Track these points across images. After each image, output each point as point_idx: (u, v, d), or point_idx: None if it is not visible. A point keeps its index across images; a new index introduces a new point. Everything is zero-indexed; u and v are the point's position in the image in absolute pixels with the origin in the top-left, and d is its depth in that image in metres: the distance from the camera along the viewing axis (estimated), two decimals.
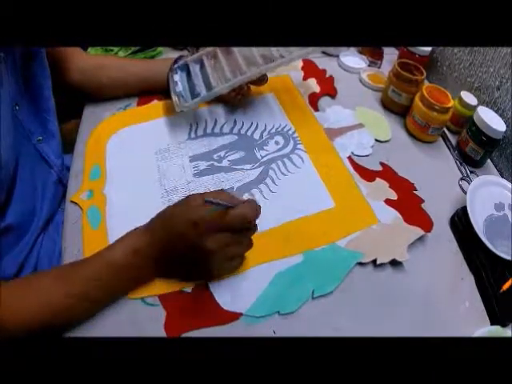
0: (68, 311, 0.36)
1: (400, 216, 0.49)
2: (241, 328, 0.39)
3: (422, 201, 0.51)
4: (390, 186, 0.52)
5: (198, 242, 0.36)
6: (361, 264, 0.45)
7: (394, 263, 0.45)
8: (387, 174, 0.54)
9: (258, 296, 0.41)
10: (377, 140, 0.59)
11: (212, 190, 0.50)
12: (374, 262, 0.45)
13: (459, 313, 0.43)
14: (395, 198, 0.51)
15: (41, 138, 0.49)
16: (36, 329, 0.34)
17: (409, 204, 0.51)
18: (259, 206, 0.38)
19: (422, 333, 0.41)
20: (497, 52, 0.57)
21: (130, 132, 0.58)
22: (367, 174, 0.54)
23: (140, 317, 0.40)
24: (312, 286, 0.42)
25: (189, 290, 0.42)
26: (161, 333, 0.39)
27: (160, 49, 0.71)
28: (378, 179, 0.53)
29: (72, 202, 0.49)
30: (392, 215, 0.49)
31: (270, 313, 0.40)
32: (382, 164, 0.56)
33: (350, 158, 0.56)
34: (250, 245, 0.40)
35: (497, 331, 0.41)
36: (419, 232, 0.47)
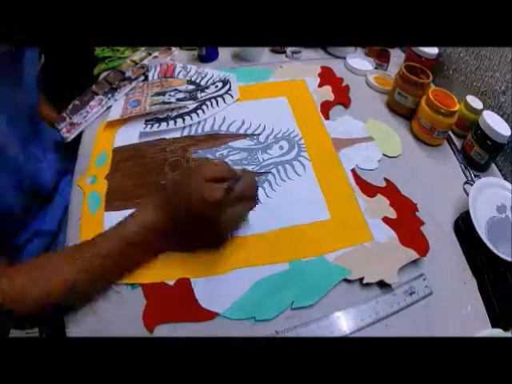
0: (80, 287, 0.37)
1: (396, 236, 0.47)
2: (219, 326, 0.40)
3: (422, 223, 0.49)
4: (390, 204, 0.51)
5: (214, 218, 0.38)
6: (347, 281, 0.44)
7: (382, 284, 0.44)
8: (390, 191, 0.53)
9: (237, 299, 0.41)
10: (385, 155, 0.57)
11: None
12: (361, 280, 0.44)
13: (461, 316, 0.43)
14: (394, 216, 0.50)
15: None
16: (47, 305, 0.35)
17: (407, 225, 0.49)
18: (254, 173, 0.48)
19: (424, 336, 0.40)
20: (503, 57, 0.57)
21: (139, 123, 0.59)
22: (369, 189, 0.52)
23: (126, 303, 0.40)
24: (292, 296, 0.42)
25: (171, 282, 0.42)
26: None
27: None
28: (378, 195, 0.52)
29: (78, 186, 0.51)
30: (388, 234, 0.48)
31: (246, 317, 0.40)
32: (386, 180, 0.54)
33: (353, 170, 0.55)
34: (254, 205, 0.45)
35: (498, 335, 0.39)
36: (413, 255, 0.45)
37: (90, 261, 0.37)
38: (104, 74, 0.68)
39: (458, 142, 0.63)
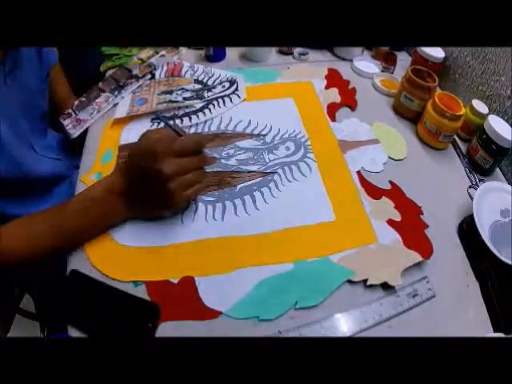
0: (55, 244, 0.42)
1: (400, 239, 0.48)
2: (222, 325, 0.40)
3: (426, 226, 0.49)
4: (395, 207, 0.51)
5: (156, 167, 0.39)
6: (351, 282, 0.44)
7: (385, 286, 0.44)
8: (395, 193, 0.53)
9: (241, 298, 0.41)
10: (390, 158, 0.57)
11: (214, 186, 0.51)
12: (365, 281, 0.44)
13: (463, 320, 0.43)
14: (399, 219, 0.50)
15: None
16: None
17: (412, 227, 0.49)
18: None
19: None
20: (509, 61, 0.57)
21: (145, 121, 0.59)
22: (374, 191, 0.53)
23: None
24: (296, 296, 0.42)
25: (175, 281, 0.42)
26: None
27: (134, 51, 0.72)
28: (383, 197, 0.52)
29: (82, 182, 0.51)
30: (392, 237, 0.48)
31: (250, 316, 0.40)
32: (391, 183, 0.54)
33: (359, 172, 0.55)
34: (203, 174, 0.44)
35: None
36: (417, 257, 0.45)
37: (59, 224, 0.42)
38: (111, 72, 0.69)
39: (463, 146, 0.63)
